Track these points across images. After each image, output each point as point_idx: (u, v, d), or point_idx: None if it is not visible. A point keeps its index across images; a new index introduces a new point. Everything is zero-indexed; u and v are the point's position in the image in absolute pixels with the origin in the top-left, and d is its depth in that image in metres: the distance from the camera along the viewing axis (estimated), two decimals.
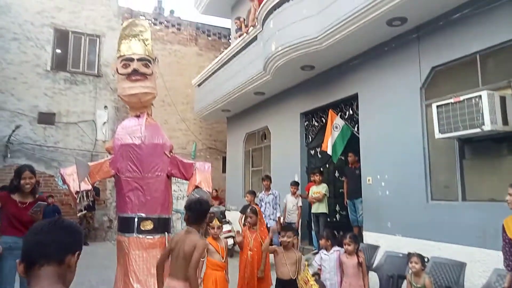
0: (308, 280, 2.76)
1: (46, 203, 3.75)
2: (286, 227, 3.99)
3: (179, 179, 5.38)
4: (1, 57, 10.58)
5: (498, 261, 3.50)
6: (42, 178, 10.53)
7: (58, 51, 11.46)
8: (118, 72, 5.01)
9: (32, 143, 10.64)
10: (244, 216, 7.12)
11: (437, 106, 4.36)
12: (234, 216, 9.43)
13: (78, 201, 4.40)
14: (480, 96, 3.98)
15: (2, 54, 10.61)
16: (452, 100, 4.19)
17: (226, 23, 13.63)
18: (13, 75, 10.67)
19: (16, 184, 3.67)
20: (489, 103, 3.92)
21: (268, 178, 7.54)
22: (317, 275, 3.00)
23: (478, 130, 4.00)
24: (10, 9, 10.77)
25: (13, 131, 10.26)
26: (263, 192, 7.50)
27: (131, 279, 4.42)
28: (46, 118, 10.93)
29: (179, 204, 11.59)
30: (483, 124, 3.93)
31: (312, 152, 8.06)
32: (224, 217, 9.67)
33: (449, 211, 4.71)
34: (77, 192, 4.32)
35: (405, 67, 5.48)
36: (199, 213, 3.16)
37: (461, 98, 4.12)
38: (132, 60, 4.86)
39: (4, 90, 10.52)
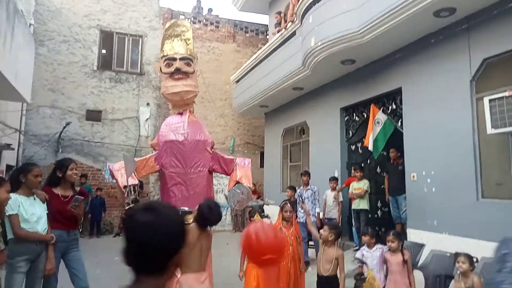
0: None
1: (83, 197, 3.73)
2: (326, 223, 3.95)
3: (218, 174, 5.50)
4: (53, 59, 11.25)
5: None
6: (90, 171, 11.14)
7: (104, 51, 12.00)
8: (161, 71, 5.19)
9: (81, 139, 11.26)
10: None
11: (490, 100, 4.13)
12: (272, 211, 9.48)
13: (126, 195, 4.62)
14: None
15: (54, 56, 11.27)
16: (506, 94, 3.95)
17: (264, 19, 13.62)
18: (63, 75, 11.31)
19: (60, 176, 3.67)
20: None
21: (307, 173, 7.50)
22: (361, 274, 2.96)
23: None
24: (61, 14, 11.41)
25: (64, 127, 10.90)
26: (302, 187, 7.48)
27: None
28: (93, 115, 11.53)
29: (218, 198, 11.84)
30: None
31: (353, 147, 7.91)
32: (263, 211, 9.75)
33: (502, 209, 4.46)
34: (125, 187, 4.55)
35: (453, 59, 5.22)
36: (215, 220, 3.17)
37: None
38: (174, 59, 5.02)
39: (55, 90, 11.19)
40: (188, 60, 5.06)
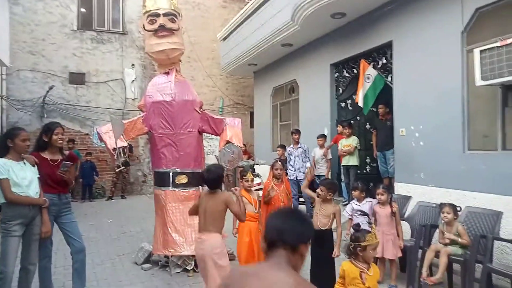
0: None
1: (71, 163, 3.66)
2: (321, 182, 4.01)
3: (208, 135, 5.47)
4: (30, 19, 10.69)
5: None
6: (78, 136, 10.99)
7: (83, 10, 11.41)
8: (145, 29, 4.98)
9: (65, 103, 10.99)
10: None
11: (480, 51, 4.08)
12: (263, 170, 9.60)
13: (115, 157, 4.59)
14: None
15: (30, 16, 10.70)
16: (498, 44, 3.89)
17: None
18: (42, 36, 10.81)
19: (46, 141, 3.59)
20: None
21: (298, 132, 7.53)
22: (357, 225, 3.06)
23: None
24: None
25: (47, 91, 10.59)
26: (292, 146, 7.53)
27: (169, 229, 4.68)
28: (77, 78, 11.17)
29: (209, 159, 11.88)
30: None
31: (343, 104, 7.90)
32: (254, 170, 9.89)
33: (487, 160, 4.57)
34: (114, 149, 4.50)
35: (445, 10, 5.10)
36: (218, 179, 3.34)
37: (509, 40, 3.81)
38: (158, 15, 4.80)
39: (35, 52, 10.73)
40: (172, 16, 4.85)
